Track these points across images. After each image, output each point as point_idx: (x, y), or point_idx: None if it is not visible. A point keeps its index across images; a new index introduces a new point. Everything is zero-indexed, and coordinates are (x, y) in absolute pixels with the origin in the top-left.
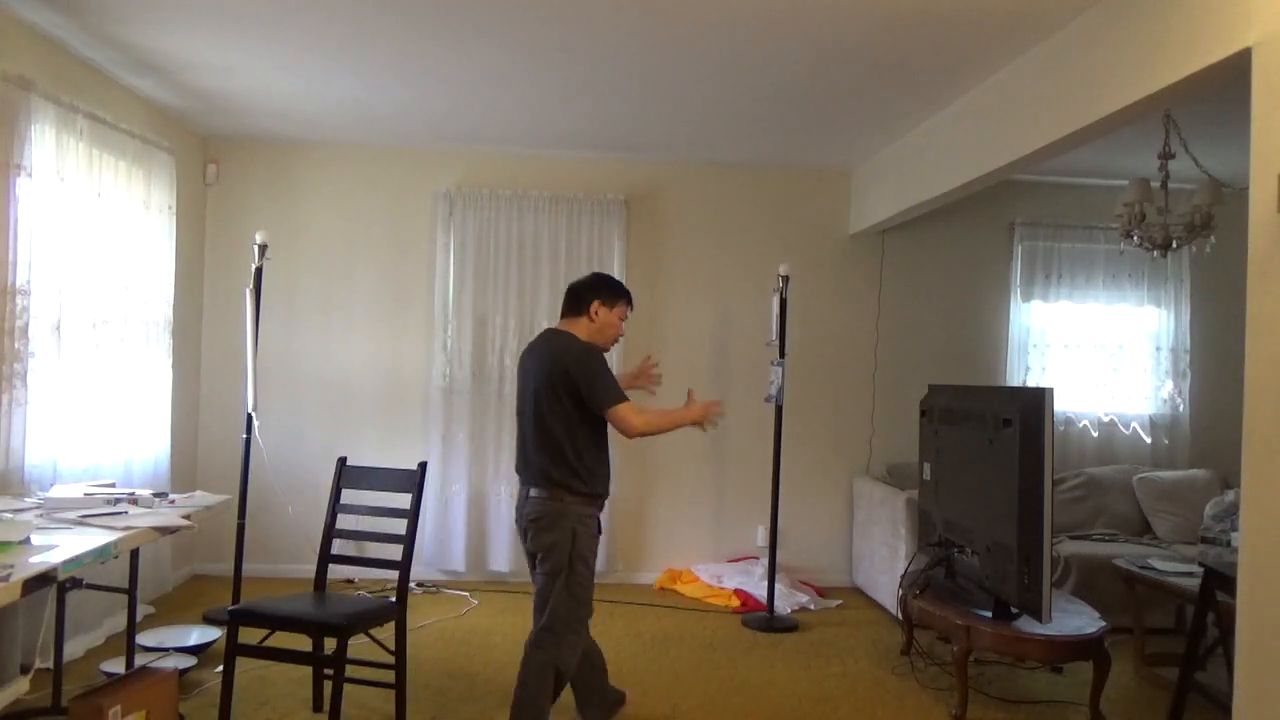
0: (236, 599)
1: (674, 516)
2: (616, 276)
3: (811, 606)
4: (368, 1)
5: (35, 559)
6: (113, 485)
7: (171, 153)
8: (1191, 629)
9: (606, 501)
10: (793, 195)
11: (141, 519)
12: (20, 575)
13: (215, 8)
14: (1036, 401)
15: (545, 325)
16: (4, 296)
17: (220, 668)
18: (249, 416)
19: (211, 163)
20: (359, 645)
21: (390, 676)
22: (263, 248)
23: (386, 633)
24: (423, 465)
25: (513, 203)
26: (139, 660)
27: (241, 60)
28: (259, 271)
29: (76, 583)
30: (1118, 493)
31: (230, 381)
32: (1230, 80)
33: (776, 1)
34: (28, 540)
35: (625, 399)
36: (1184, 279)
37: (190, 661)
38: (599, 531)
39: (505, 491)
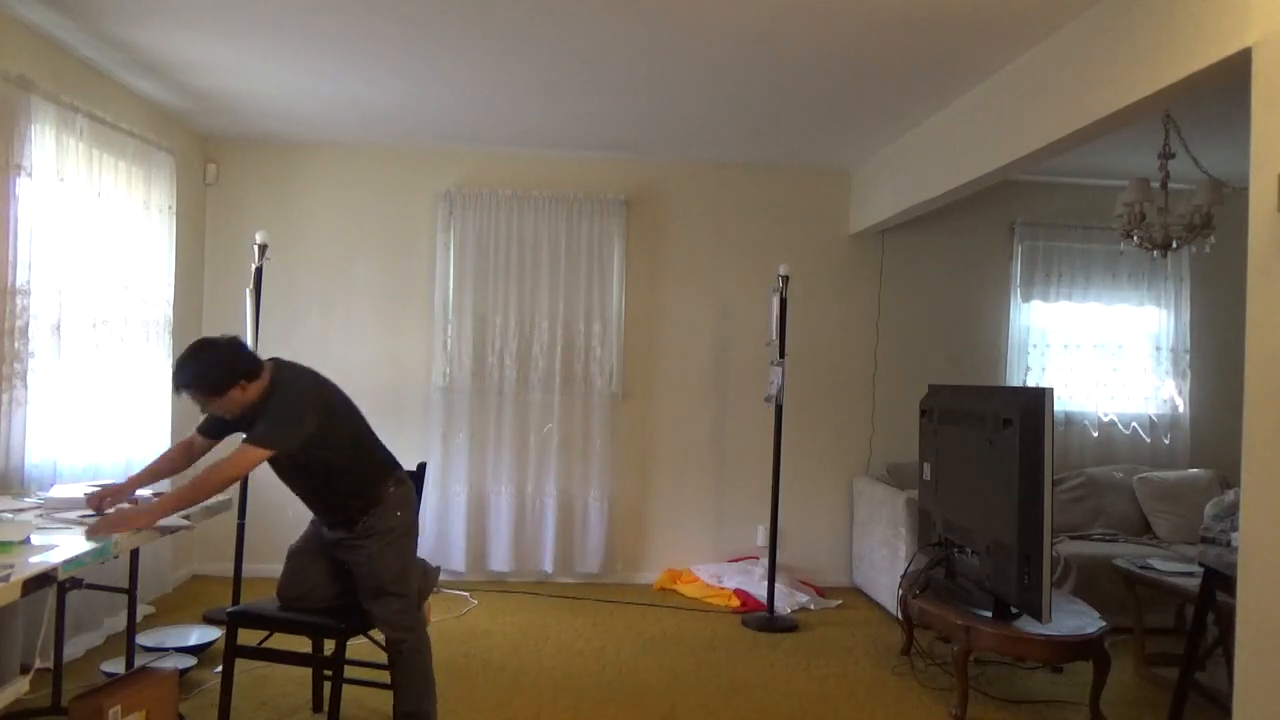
0: (236, 599)
1: (674, 516)
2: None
3: (811, 606)
4: (368, 1)
5: (35, 559)
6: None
7: (171, 153)
8: (1191, 629)
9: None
10: (793, 195)
11: None
12: (20, 575)
13: (216, 7)
14: (1036, 401)
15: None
16: (4, 296)
17: (220, 668)
18: None
19: (211, 163)
20: (359, 645)
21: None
22: (263, 248)
23: None
24: (422, 465)
25: (513, 203)
26: (139, 660)
27: (241, 60)
28: (259, 271)
29: (76, 583)
30: (1118, 493)
31: None
32: (1230, 80)
33: (776, 2)
34: (28, 540)
35: None
36: (1184, 279)
37: (190, 661)
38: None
39: (505, 492)
